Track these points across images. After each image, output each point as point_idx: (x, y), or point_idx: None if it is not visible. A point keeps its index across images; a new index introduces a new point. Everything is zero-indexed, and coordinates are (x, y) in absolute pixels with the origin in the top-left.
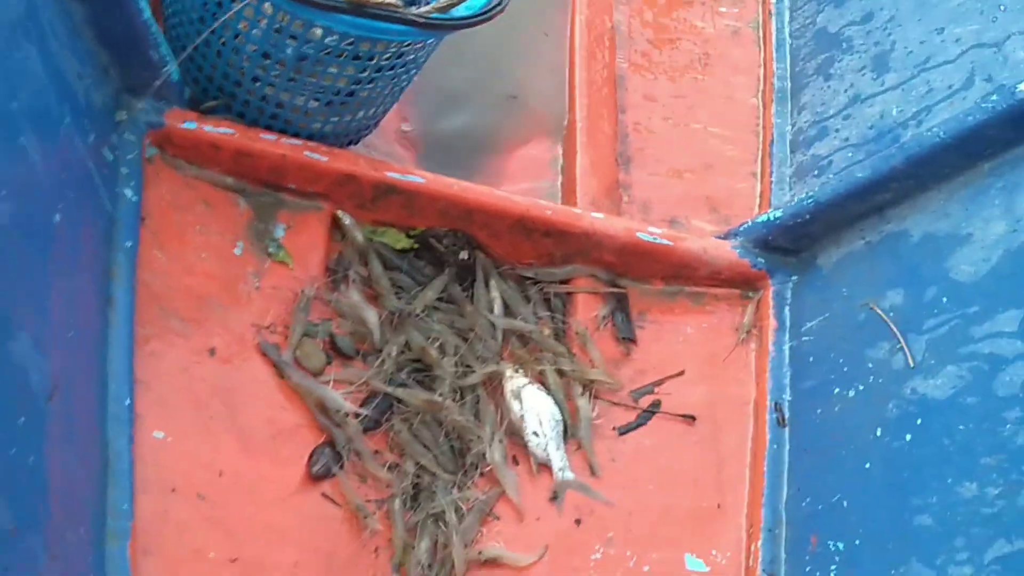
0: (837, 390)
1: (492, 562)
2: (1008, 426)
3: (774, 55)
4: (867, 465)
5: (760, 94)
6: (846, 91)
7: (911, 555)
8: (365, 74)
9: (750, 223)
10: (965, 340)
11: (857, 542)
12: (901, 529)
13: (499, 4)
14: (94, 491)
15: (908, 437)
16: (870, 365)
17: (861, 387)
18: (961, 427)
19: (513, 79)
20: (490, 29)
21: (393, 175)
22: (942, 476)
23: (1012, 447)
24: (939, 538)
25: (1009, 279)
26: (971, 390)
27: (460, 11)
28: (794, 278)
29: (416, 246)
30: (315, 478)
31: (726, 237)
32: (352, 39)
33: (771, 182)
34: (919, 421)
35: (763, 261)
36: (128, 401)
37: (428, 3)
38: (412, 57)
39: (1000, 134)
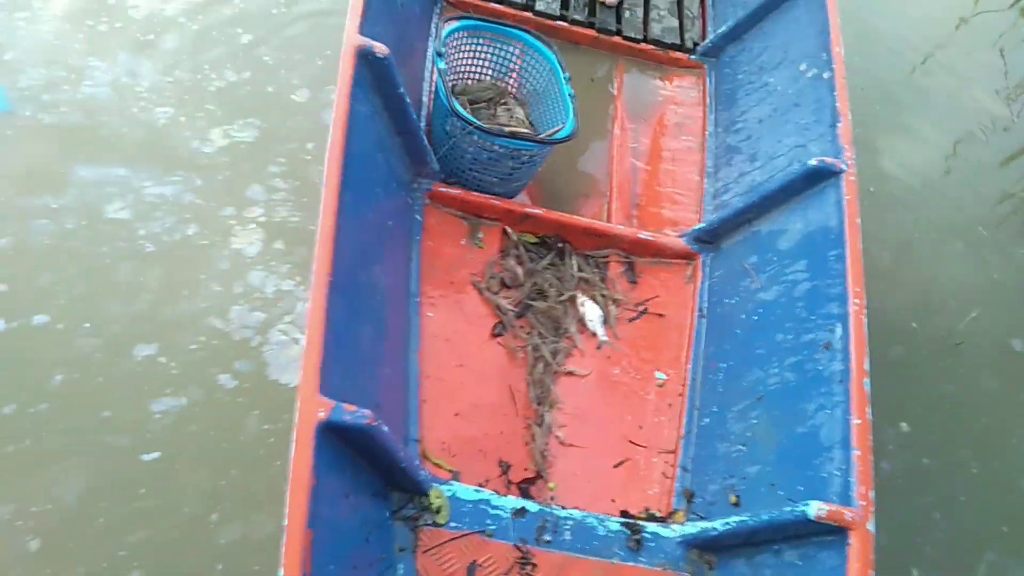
0: (726, 300)
1: (569, 373)
2: (797, 309)
3: (707, 156)
4: (737, 331)
5: (700, 173)
6: (737, 171)
7: (754, 366)
8: (516, 165)
9: (690, 230)
10: (782, 275)
11: (732, 363)
12: (750, 356)
13: (575, 133)
14: (403, 334)
15: (756, 318)
16: (740, 288)
17: (737, 298)
18: (778, 311)
19: (587, 165)
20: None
21: (529, 210)
22: (770, 332)
23: (799, 317)
24: (766, 358)
25: (800, 247)
26: (783, 295)
27: (559, 136)
28: (711, 254)
29: (538, 241)
30: (495, 336)
31: (680, 236)
32: (511, 149)
33: (703, 213)
34: (760, 310)
35: (697, 247)
36: (417, 299)
37: (544, 131)
38: (538, 157)
39: (799, 184)
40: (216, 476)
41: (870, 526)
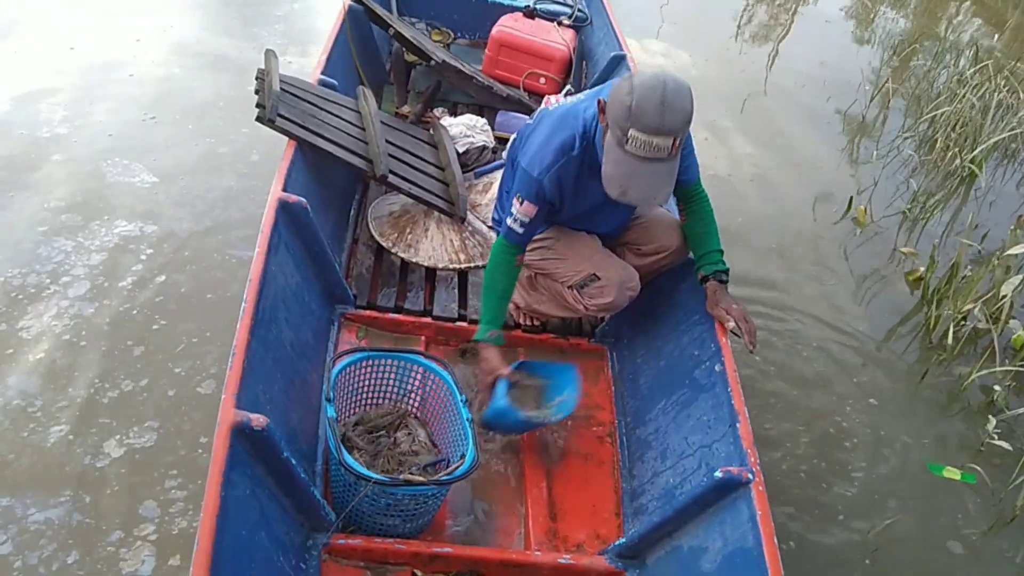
0: None
1: None
2: None
3: (619, 450)
4: None
5: (613, 472)
6: (651, 469)
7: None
8: (417, 505)
9: (612, 546)
10: None
11: None
12: None
13: (475, 467)
14: None
15: None
16: None
17: None
18: None
19: (496, 478)
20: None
21: (438, 549)
22: None
23: None
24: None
25: (724, 570)
26: None
27: (459, 472)
28: (637, 571)
29: None
30: None
31: (602, 553)
32: (409, 493)
33: (623, 519)
34: None
35: (621, 564)
36: None
37: (448, 451)
38: (439, 495)
39: (711, 496)
40: None
41: None
